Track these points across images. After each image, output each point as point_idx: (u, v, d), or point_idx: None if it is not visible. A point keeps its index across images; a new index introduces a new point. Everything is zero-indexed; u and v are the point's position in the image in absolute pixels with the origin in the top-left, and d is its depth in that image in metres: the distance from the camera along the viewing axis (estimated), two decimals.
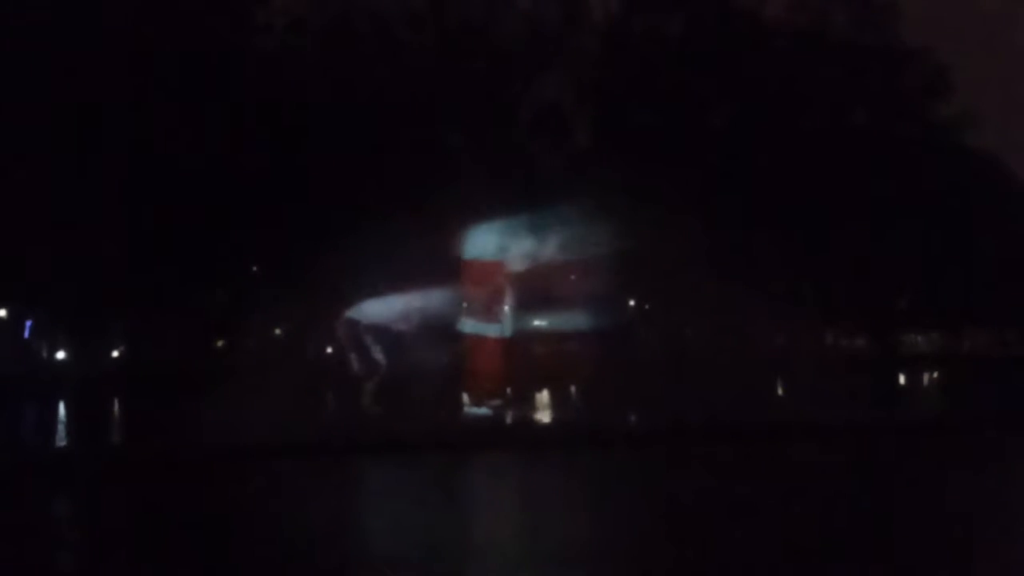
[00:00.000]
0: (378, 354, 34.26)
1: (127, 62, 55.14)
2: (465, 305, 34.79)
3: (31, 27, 54.60)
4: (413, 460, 27.84)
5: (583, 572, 15.66)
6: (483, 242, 34.83)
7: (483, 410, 33.93)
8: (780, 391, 49.51)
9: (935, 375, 62.19)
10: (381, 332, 34.94)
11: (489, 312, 34.63)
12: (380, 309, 34.59)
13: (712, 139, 66.44)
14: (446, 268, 35.52)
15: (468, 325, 34.90)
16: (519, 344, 35.63)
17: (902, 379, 60.97)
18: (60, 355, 62.21)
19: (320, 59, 63.44)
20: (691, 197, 57.68)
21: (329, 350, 53.01)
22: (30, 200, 52.32)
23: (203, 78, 57.05)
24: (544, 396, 42.33)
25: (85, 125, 54.10)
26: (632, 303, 63.37)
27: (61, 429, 39.04)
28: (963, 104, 71.46)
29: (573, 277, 37.21)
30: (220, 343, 62.93)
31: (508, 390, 35.20)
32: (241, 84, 58.49)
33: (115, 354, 63.02)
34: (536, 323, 37.31)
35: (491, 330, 34.68)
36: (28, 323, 61.59)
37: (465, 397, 34.61)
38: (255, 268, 61.90)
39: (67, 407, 47.36)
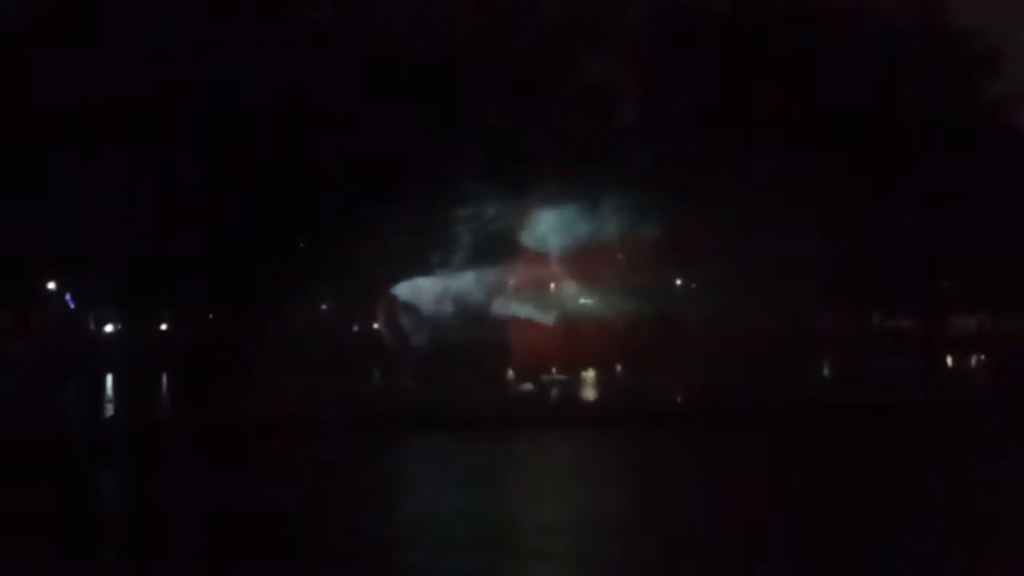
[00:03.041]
0: (421, 331, 34.39)
1: (169, 48, 55.48)
2: (513, 285, 34.93)
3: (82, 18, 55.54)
4: (455, 436, 28.01)
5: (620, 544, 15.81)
6: (531, 223, 34.90)
7: (529, 387, 34.04)
8: (826, 372, 49.34)
9: (982, 356, 61.87)
10: (425, 311, 35.07)
11: (536, 292, 34.76)
12: (426, 288, 34.71)
13: (758, 117, 65.97)
14: (493, 250, 35.57)
15: (516, 307, 35.03)
16: (565, 325, 35.66)
17: (949, 360, 60.62)
18: (108, 328, 62.57)
19: (361, 35, 63.27)
20: (737, 176, 57.24)
21: (376, 326, 53.09)
22: (80, 179, 52.79)
23: (248, 58, 57.15)
24: (589, 375, 42.31)
25: (132, 110, 54.54)
26: (679, 283, 63.10)
27: (109, 401, 39.43)
28: (1011, 83, 70.66)
29: (619, 257, 37.21)
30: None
31: (554, 370, 35.26)
32: (286, 63, 58.38)
33: (163, 327, 63.38)
34: (582, 303, 37.34)
35: (538, 311, 34.80)
36: (67, 296, 61.84)
37: (511, 375, 34.73)
38: (302, 244, 62.01)
39: (115, 379, 47.75)
